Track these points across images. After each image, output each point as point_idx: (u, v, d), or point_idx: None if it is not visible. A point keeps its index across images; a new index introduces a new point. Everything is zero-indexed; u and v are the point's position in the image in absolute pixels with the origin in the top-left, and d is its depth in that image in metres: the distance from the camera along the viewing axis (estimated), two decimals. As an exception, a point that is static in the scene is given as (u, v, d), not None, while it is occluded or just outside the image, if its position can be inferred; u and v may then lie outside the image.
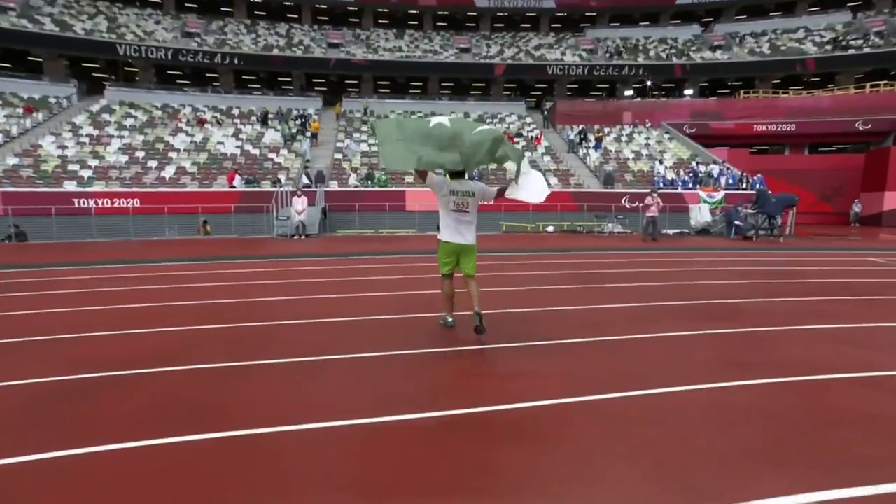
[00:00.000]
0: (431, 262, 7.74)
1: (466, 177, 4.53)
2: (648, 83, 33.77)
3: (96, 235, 17.27)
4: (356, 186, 20.74)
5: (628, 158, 25.77)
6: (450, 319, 4.81)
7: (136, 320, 5.21)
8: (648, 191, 16.66)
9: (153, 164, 21.48)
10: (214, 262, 9.86)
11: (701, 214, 17.80)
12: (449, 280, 4.63)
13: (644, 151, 26.70)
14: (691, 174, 22.35)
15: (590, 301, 6.09)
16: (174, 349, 4.17)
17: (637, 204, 19.55)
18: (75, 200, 17.97)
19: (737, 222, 15.89)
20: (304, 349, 4.16)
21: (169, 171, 21.01)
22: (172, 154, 22.72)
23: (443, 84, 36.90)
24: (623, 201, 21.27)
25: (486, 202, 4.67)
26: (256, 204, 18.57)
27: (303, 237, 16.60)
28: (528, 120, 32.26)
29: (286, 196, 18.26)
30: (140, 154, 22.12)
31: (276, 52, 33.00)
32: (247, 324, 5.07)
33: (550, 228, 19.55)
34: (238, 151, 23.79)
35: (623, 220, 18.71)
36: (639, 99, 33.70)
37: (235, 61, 31.92)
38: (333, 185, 21.15)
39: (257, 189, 19.69)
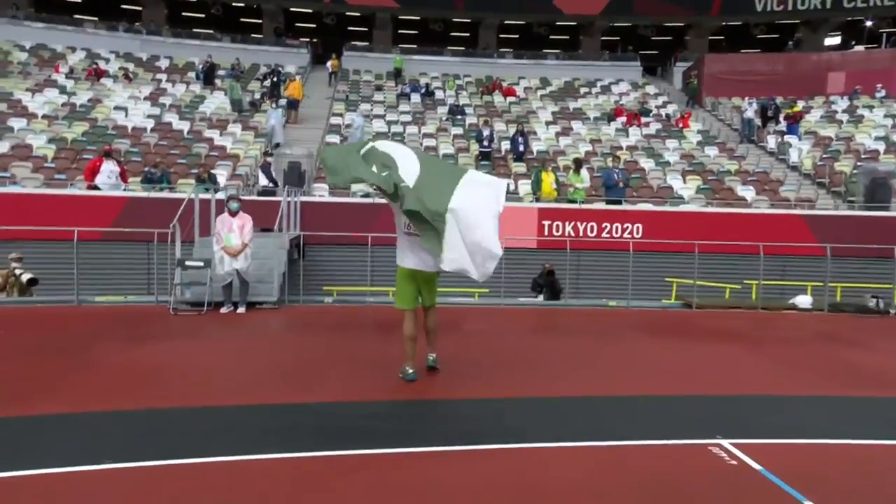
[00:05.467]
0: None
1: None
2: (867, 24, 24.80)
3: None
4: (366, 196, 12.04)
5: (874, 151, 16.89)
6: (410, 371, 4.86)
7: None
8: None
9: (-36, 138, 13.68)
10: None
11: None
12: (411, 315, 4.90)
13: (896, 138, 17.92)
14: None
15: None
16: None
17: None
18: None
19: None
20: None
21: (-8, 153, 13.05)
22: (16, 122, 15.31)
23: (503, 35, 31.53)
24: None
25: None
26: (153, 229, 9.77)
27: (239, 310, 8.24)
28: (651, 90, 23.69)
29: (215, 212, 9.60)
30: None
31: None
32: None
33: (805, 301, 10.31)
34: (150, 124, 16.44)
35: None
36: (859, 48, 24.84)
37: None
38: (321, 192, 12.82)
39: (164, 195, 11.65)
